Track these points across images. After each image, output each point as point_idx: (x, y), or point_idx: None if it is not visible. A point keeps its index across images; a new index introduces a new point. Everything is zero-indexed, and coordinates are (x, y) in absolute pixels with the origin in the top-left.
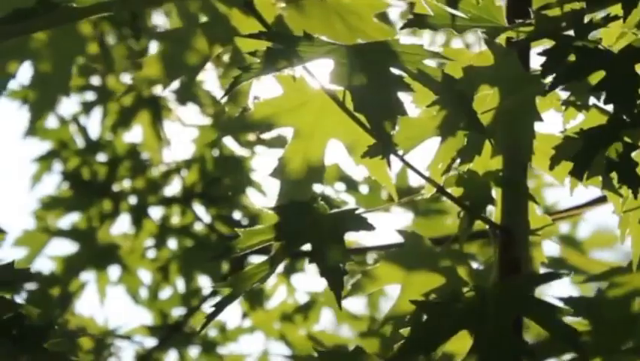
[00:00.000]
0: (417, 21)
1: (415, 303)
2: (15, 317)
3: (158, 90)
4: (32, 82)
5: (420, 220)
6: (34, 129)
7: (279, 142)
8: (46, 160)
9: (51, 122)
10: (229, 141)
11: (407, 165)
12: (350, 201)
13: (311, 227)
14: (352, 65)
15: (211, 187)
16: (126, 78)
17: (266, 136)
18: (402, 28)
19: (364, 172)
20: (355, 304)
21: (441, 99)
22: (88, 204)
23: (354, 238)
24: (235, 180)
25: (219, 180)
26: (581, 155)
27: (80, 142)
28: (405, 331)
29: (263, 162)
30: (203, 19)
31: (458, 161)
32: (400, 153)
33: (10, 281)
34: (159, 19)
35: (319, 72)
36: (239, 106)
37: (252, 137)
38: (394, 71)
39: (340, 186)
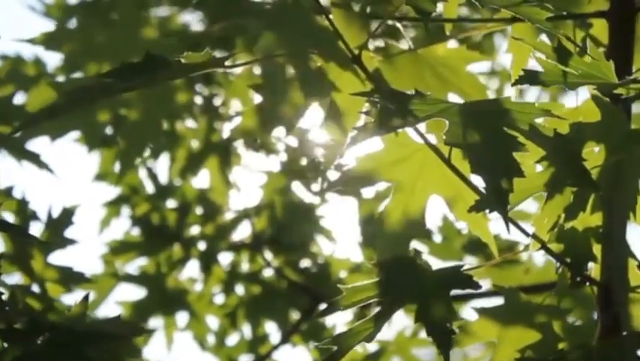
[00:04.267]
0: (528, 77)
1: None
2: None
3: (226, 135)
4: (123, 130)
5: (492, 271)
6: (103, 174)
7: (350, 190)
8: (115, 205)
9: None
10: (298, 188)
11: (512, 222)
12: (423, 250)
13: (416, 284)
14: (466, 124)
15: (280, 234)
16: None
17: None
18: (513, 84)
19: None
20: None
21: (551, 156)
22: (157, 250)
23: None
24: (304, 227)
25: (288, 227)
26: None
27: (149, 187)
28: None
29: (333, 210)
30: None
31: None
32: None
33: (118, 335)
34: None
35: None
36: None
37: (321, 184)
38: (508, 130)
39: None
